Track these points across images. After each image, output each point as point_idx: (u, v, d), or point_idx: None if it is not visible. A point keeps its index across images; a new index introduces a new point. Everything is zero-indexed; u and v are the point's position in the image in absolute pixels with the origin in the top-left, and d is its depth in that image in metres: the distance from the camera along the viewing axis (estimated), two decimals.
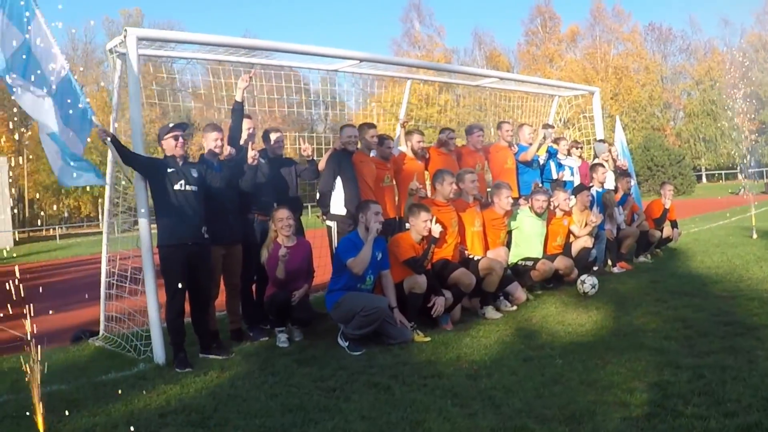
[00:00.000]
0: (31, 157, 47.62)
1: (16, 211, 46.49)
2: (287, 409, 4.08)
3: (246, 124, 6.48)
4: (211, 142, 6.05)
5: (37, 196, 54.86)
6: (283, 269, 5.81)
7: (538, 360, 4.83)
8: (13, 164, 42.56)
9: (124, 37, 5.67)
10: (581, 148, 10.99)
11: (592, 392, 4.03)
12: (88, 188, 54.10)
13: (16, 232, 40.38)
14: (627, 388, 4.06)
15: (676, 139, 55.21)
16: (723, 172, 55.08)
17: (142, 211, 5.73)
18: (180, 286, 5.51)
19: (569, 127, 12.94)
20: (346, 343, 5.58)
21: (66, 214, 57.28)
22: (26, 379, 3.37)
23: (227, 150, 5.96)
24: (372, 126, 7.39)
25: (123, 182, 6.94)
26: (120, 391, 4.70)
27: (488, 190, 8.26)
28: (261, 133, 7.12)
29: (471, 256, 6.80)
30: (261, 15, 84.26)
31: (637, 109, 54.60)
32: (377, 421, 3.75)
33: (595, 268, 8.86)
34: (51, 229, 48.58)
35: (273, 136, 6.93)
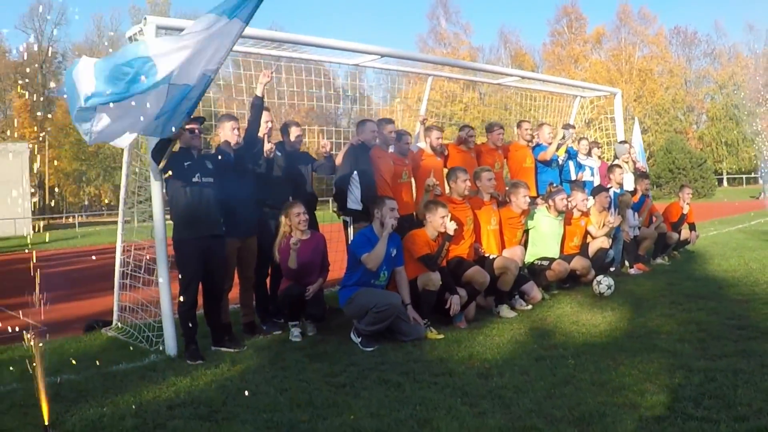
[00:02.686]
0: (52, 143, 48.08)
1: (36, 198, 47.06)
2: (296, 405, 4.09)
3: (264, 116, 6.49)
4: (228, 131, 6.08)
5: (58, 183, 55.54)
6: (295, 259, 5.82)
7: (550, 360, 4.80)
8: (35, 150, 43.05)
9: (144, 25, 5.69)
10: (601, 148, 10.91)
11: (603, 393, 4.00)
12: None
13: (36, 220, 40.83)
14: (638, 389, 4.02)
15: (698, 142, 54.59)
16: (744, 176, 54.40)
17: (157, 202, 5.74)
18: (194, 278, 5.56)
19: (590, 127, 12.84)
20: (359, 339, 5.59)
21: (86, 202, 57.93)
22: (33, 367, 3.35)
23: (238, 142, 5.98)
24: (390, 121, 7.38)
25: (137, 170, 6.98)
26: (129, 382, 4.79)
27: (506, 188, 8.23)
28: (280, 126, 7.13)
29: (486, 255, 6.78)
30: (288, 8, 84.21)
31: (660, 112, 54.04)
32: (385, 418, 3.75)
33: (611, 269, 8.79)
34: (71, 217, 49.11)
35: (293, 131, 6.91)
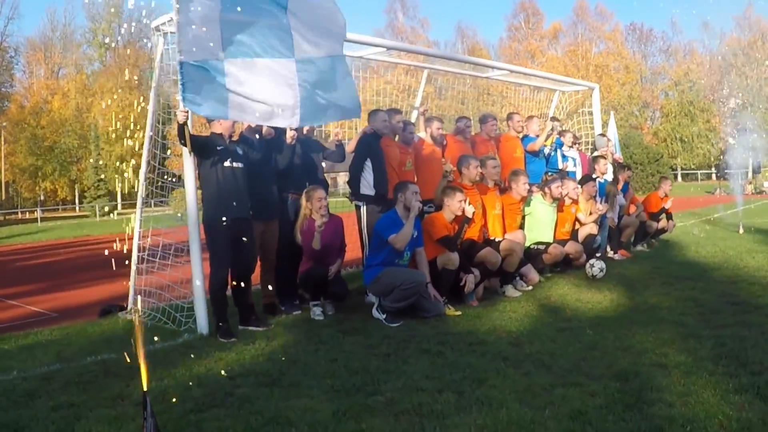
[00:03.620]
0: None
1: None
2: (352, 372, 4.39)
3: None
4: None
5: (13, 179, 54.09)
6: (320, 240, 6.12)
7: (571, 330, 5.24)
8: None
9: (175, 15, 5.85)
10: (579, 141, 11.47)
11: (630, 356, 4.44)
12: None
13: None
14: (660, 353, 4.48)
15: (653, 138, 56.38)
16: (698, 172, 56.42)
17: (189, 185, 5.95)
18: (225, 259, 5.83)
19: (571, 119, 13.41)
20: (384, 316, 5.93)
21: (41, 198, 56.55)
22: (133, 335, 3.55)
23: (267, 129, 6.23)
24: (399, 111, 7.73)
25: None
26: (173, 359, 5.00)
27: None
28: None
29: (492, 238, 7.19)
30: None
31: (616, 108, 55.54)
32: (442, 379, 4.11)
33: (597, 255, 9.31)
34: (28, 212, 47.96)
35: None
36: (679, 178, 57.09)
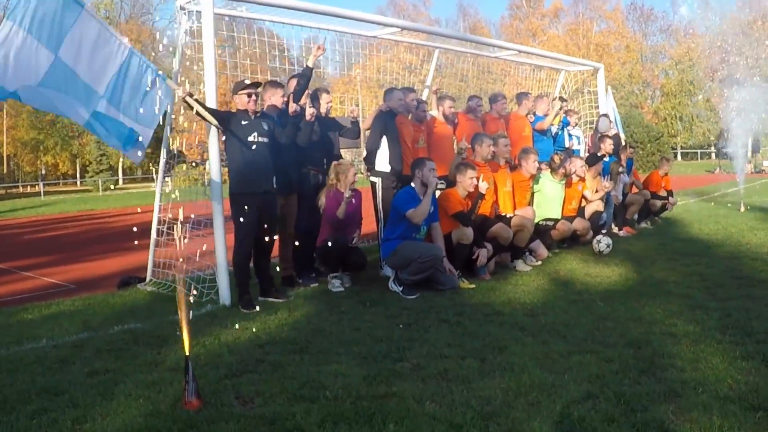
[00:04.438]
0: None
1: None
2: (377, 340, 4.61)
3: (325, 98, 7.12)
4: (278, 98, 6.57)
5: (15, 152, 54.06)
6: (345, 210, 6.34)
7: (582, 302, 5.46)
8: None
9: None
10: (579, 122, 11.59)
11: (641, 326, 4.67)
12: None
13: None
14: (669, 323, 4.71)
15: (653, 117, 56.40)
16: (698, 151, 56.54)
17: (214, 158, 6.13)
18: (250, 231, 6.01)
19: (574, 100, 13.54)
20: (400, 288, 6.14)
21: (43, 172, 56.60)
22: (179, 298, 3.75)
23: (293, 107, 6.40)
24: (412, 90, 7.90)
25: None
26: (200, 328, 5.13)
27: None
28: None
29: (504, 214, 7.39)
30: None
31: (617, 87, 55.49)
32: (464, 347, 4.33)
33: (603, 231, 9.53)
34: (30, 186, 48.03)
35: (324, 98, 7.31)
36: (679, 157, 57.25)
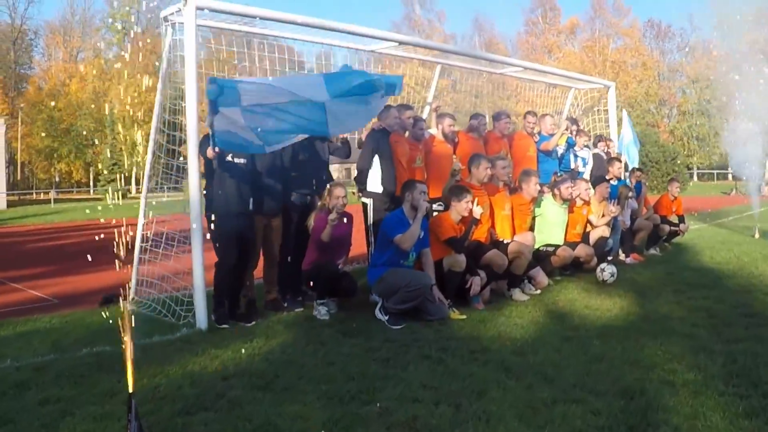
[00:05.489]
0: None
1: (7, 173, 46.05)
2: (349, 377, 4.28)
3: None
4: None
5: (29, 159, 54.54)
6: (330, 233, 6.03)
7: (577, 340, 5.08)
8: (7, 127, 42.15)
9: (184, 5, 5.75)
10: (589, 144, 11.15)
11: (637, 371, 4.28)
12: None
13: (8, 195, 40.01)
14: (668, 368, 4.31)
15: (670, 136, 55.73)
16: (715, 171, 55.73)
17: (193, 179, 5.85)
18: (229, 251, 5.89)
19: (585, 118, 13.17)
20: (386, 317, 5.80)
21: (57, 179, 56.98)
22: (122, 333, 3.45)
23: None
24: (409, 107, 7.59)
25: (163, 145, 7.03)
26: (170, 354, 4.93)
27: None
28: None
29: (500, 240, 7.03)
30: None
31: (633, 105, 54.98)
32: (440, 390, 3.97)
33: (609, 258, 9.13)
34: (43, 193, 48.29)
35: None
36: (696, 178, 56.51)
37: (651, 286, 7.47)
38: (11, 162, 51.03)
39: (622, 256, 9.62)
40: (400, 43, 7.81)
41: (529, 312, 6.18)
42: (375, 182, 7.01)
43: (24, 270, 10.76)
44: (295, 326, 5.89)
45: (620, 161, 9.82)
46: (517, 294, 6.86)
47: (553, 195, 8.06)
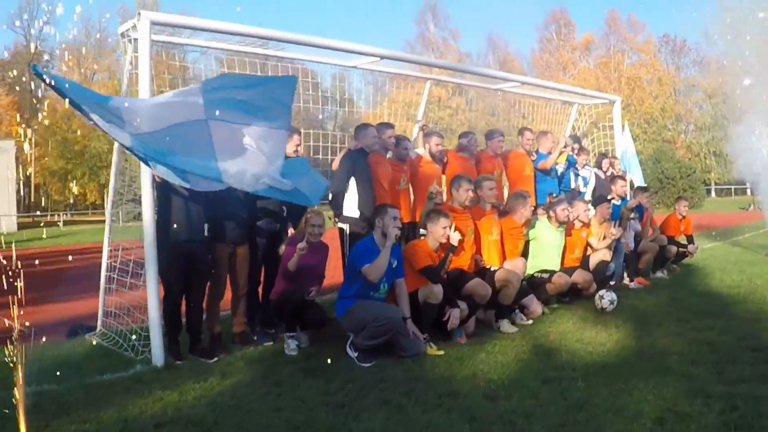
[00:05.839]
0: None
1: (22, 194, 46.44)
2: (293, 426, 3.83)
3: (294, 140, 6.38)
4: None
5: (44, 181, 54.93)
6: (296, 263, 5.63)
7: (559, 382, 4.55)
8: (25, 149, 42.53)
9: (138, 21, 5.43)
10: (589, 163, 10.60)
11: (620, 421, 3.76)
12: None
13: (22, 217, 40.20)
14: (657, 418, 3.78)
15: (687, 152, 54.78)
16: (732, 187, 54.61)
17: (147, 204, 5.47)
18: (177, 280, 5.57)
19: (589, 136, 12.64)
20: (356, 354, 5.32)
21: (71, 201, 57.27)
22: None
23: None
24: (390, 126, 7.15)
25: (129, 172, 6.74)
26: (113, 395, 4.56)
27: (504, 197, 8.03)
28: None
29: (487, 267, 6.53)
30: (273, 8, 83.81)
31: (649, 121, 54.26)
32: None
33: (611, 283, 8.58)
34: (58, 215, 48.48)
35: (294, 138, 6.60)
36: (713, 194, 55.44)
37: (653, 314, 6.91)
38: (27, 183, 51.43)
39: (626, 280, 9.06)
40: (381, 57, 7.37)
41: (514, 347, 5.65)
42: (351, 206, 6.57)
43: (4, 296, 10.40)
44: (257, 363, 5.45)
45: (624, 179, 9.27)
46: (505, 325, 6.34)
47: (549, 217, 7.55)
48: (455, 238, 5.67)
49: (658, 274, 9.74)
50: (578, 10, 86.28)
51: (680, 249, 10.11)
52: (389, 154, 7.27)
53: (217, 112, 4.76)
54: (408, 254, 5.76)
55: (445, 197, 7.03)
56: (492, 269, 6.47)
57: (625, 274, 9.12)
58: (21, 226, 36.01)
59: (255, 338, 6.20)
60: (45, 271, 15.15)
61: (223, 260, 5.93)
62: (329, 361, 5.25)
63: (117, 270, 6.41)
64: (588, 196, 9.41)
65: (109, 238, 6.83)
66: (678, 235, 10.27)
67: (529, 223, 7.37)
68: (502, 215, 7.06)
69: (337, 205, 6.61)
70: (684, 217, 10.32)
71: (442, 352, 5.46)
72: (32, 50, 54.30)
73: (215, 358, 5.60)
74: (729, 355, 5.10)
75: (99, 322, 6.79)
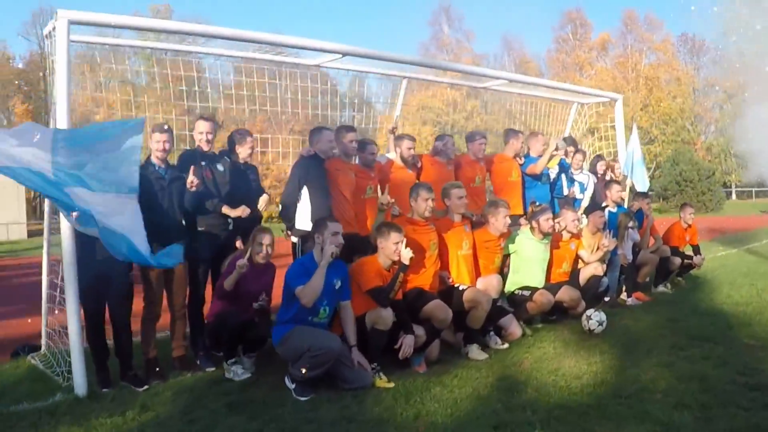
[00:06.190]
0: None
1: (36, 202, 46.37)
2: None
3: (203, 127, 5.89)
4: (153, 143, 5.43)
5: None
6: (233, 281, 5.07)
7: (512, 428, 3.86)
8: None
9: (55, 20, 4.90)
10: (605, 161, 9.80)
11: None
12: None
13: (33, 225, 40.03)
14: None
15: (706, 153, 53.30)
16: (754, 189, 53.09)
17: (65, 220, 4.88)
18: (95, 303, 5.12)
19: (592, 136, 11.87)
20: (293, 386, 4.69)
21: None
22: None
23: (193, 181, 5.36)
24: (351, 129, 6.49)
25: None
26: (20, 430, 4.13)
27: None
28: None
29: (456, 285, 5.84)
30: (287, 13, 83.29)
31: (667, 122, 52.82)
32: None
33: (606, 299, 7.85)
34: None
35: (248, 141, 6.17)
36: (734, 196, 53.95)
37: (645, 338, 6.16)
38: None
39: (624, 296, 8.30)
40: (343, 54, 6.72)
41: (476, 379, 4.95)
42: (304, 218, 5.92)
43: None
44: (187, 393, 4.88)
45: (619, 184, 8.49)
46: (473, 351, 5.64)
47: (531, 228, 6.84)
48: (406, 255, 4.98)
49: (660, 288, 8.96)
50: (594, 9, 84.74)
51: (685, 260, 9.31)
52: (356, 160, 6.64)
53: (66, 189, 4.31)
54: (355, 273, 5.10)
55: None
56: (460, 288, 5.78)
57: (624, 290, 8.37)
58: (31, 234, 35.72)
59: (198, 362, 5.64)
60: (24, 284, 14.69)
61: (154, 279, 5.40)
62: (263, 392, 4.64)
63: (59, 288, 5.86)
64: (586, 203, 8.67)
65: (49, 253, 6.24)
66: (683, 245, 9.47)
67: (509, 236, 6.68)
68: (477, 226, 6.36)
69: (288, 216, 5.98)
70: (690, 226, 9.51)
71: (391, 385, 4.80)
72: (46, 58, 54.58)
73: (146, 386, 5.08)
74: (722, 395, 4.37)
75: (43, 343, 6.27)
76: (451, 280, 5.87)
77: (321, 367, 4.60)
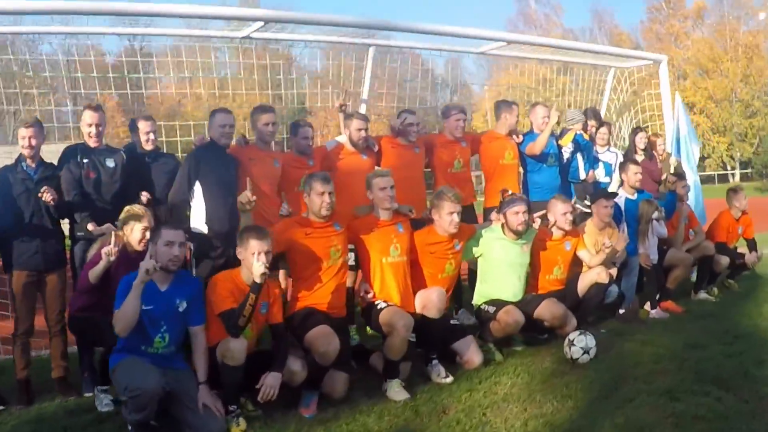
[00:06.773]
0: None
1: None
2: None
3: (144, 127, 5.36)
4: (19, 139, 4.79)
5: None
6: (99, 274, 4.15)
7: None
8: None
9: None
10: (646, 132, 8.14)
11: None
12: None
13: None
14: None
15: None
16: None
17: None
18: None
19: (633, 108, 10.13)
20: (130, 429, 3.70)
21: None
22: None
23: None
24: (267, 110, 5.38)
25: None
26: None
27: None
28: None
29: (375, 302, 4.56)
30: None
31: None
32: None
33: (621, 311, 6.31)
34: None
35: (143, 125, 5.40)
36: None
37: (638, 374, 4.60)
38: None
39: (647, 308, 6.62)
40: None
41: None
42: (199, 218, 4.87)
43: None
44: (29, 426, 4.08)
45: (637, 165, 6.76)
46: (393, 390, 4.34)
47: (503, 225, 5.42)
48: (257, 270, 3.74)
49: (702, 294, 7.20)
50: None
51: (738, 259, 7.50)
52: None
53: None
54: (208, 292, 3.93)
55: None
56: (379, 306, 4.48)
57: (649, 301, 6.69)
58: None
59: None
60: None
61: (19, 291, 4.73)
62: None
63: None
64: (614, 188, 7.07)
65: None
66: (734, 240, 7.62)
67: (473, 233, 5.32)
68: (419, 225, 5.02)
69: (179, 218, 4.97)
70: (743, 214, 7.62)
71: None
72: (137, 53, 56.48)
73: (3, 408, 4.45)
74: None
75: None
76: (371, 296, 4.59)
77: (143, 410, 3.53)
